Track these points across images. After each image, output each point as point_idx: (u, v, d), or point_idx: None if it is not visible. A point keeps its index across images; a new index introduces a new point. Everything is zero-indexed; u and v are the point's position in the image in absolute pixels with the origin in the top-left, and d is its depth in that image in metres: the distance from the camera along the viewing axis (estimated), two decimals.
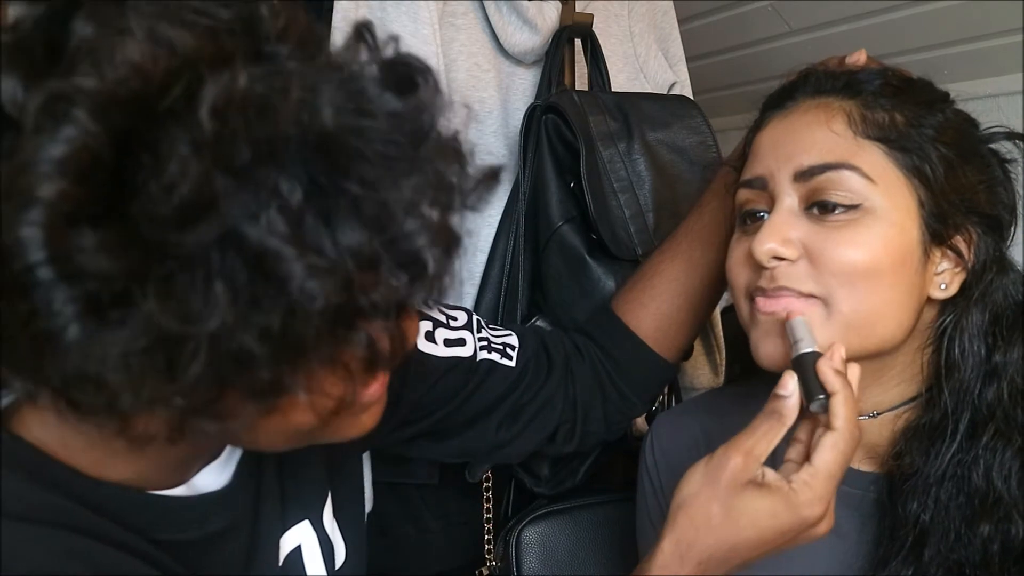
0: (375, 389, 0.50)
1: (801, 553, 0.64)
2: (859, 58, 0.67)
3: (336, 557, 0.68)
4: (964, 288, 0.61)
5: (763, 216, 0.62)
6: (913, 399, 0.63)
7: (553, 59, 1.08)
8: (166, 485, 0.54)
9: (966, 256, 0.60)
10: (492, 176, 0.44)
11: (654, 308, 0.83)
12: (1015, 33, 1.53)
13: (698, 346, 1.20)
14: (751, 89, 1.93)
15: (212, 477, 0.58)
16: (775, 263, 0.59)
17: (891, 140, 0.58)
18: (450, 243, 0.41)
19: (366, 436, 0.69)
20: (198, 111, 0.33)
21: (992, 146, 0.64)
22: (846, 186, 0.57)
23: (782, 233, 0.58)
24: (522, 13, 1.05)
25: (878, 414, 0.63)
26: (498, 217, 1.07)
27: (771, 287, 0.59)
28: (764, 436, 0.55)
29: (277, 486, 0.62)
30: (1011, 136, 0.63)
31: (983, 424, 0.59)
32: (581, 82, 1.15)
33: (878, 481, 0.64)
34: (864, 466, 0.65)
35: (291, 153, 0.35)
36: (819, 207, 0.58)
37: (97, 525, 0.48)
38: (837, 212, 0.58)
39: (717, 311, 1.27)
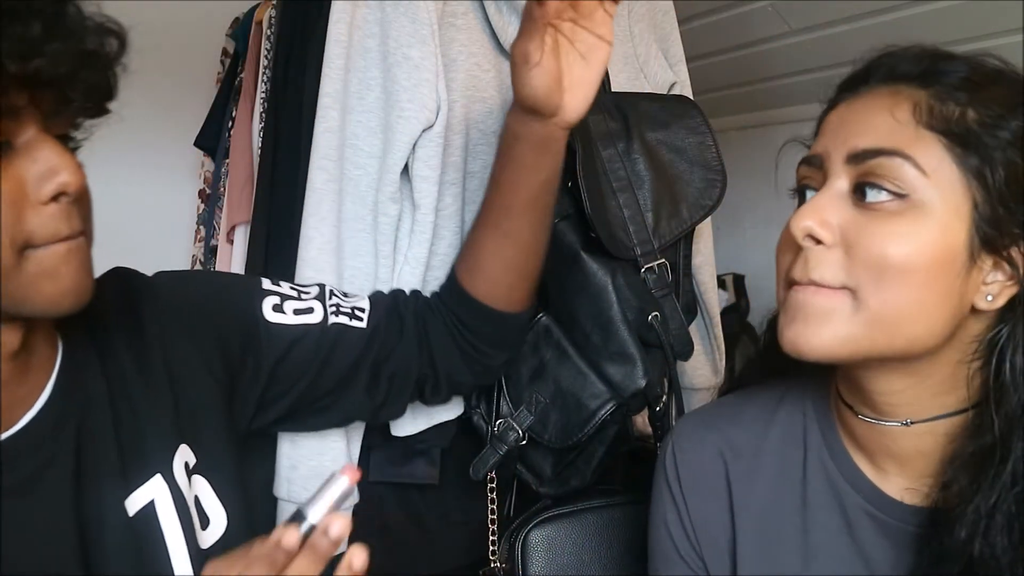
0: (69, 253, 0.56)
1: (826, 571, 0.63)
2: None
3: (214, 524, 0.69)
4: (1013, 303, 0.57)
5: (814, 193, 0.61)
6: (953, 413, 0.59)
7: None
8: None
9: (1021, 270, 0.56)
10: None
11: (484, 276, 0.86)
12: (1015, 33, 1.53)
13: (697, 346, 1.20)
14: (751, 89, 1.93)
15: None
16: (810, 243, 0.58)
17: (954, 135, 0.55)
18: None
19: (230, 416, 0.74)
20: None
21: None
22: (896, 174, 0.55)
23: (822, 214, 0.57)
24: (522, 14, 1.05)
25: (912, 423, 0.60)
26: None
27: (804, 279, 0.58)
28: (229, 563, 0.54)
29: (112, 439, 0.64)
30: None
31: None
32: None
33: (919, 514, 0.61)
34: (906, 497, 0.62)
35: None
36: (866, 191, 0.57)
37: None
38: (883, 199, 0.56)
39: (717, 311, 1.27)
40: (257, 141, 1.30)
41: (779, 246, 0.63)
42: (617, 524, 0.96)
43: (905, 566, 0.61)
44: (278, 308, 0.81)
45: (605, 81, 1.12)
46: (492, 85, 1.08)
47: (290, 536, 0.53)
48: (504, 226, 0.84)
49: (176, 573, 0.65)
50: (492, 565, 1.00)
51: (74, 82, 0.54)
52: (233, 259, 1.39)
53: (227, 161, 1.43)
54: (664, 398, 1.02)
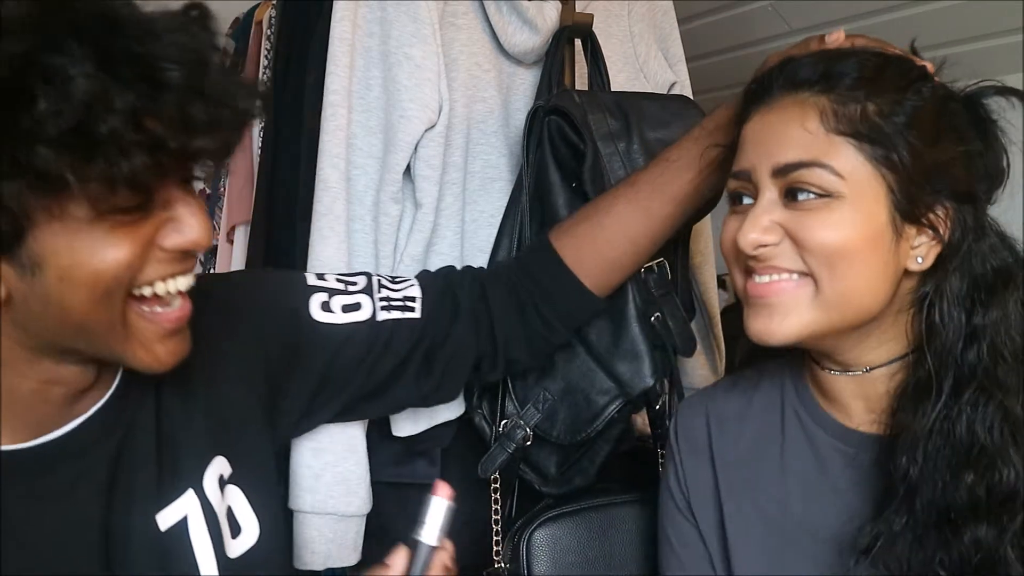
0: (172, 316, 0.59)
1: (801, 507, 0.72)
2: (838, 37, 0.71)
3: (246, 532, 0.70)
4: (941, 259, 0.65)
5: (748, 199, 0.69)
6: (901, 357, 0.68)
7: (553, 59, 1.09)
8: (32, 435, 0.59)
9: (942, 231, 0.65)
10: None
11: (597, 248, 0.86)
12: (1015, 33, 1.53)
13: (697, 345, 1.20)
14: None
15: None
16: (760, 250, 0.66)
17: (861, 135, 0.63)
18: (219, 107, 0.53)
19: (270, 425, 0.75)
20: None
21: (984, 104, 0.67)
22: (817, 180, 0.63)
23: (761, 223, 0.65)
24: (522, 13, 1.05)
25: (871, 369, 0.69)
26: (499, 218, 1.07)
27: (760, 266, 0.66)
28: None
29: (153, 459, 0.65)
30: (1002, 91, 0.67)
31: (966, 382, 0.63)
32: (581, 82, 1.15)
33: (874, 441, 0.69)
34: (862, 427, 0.71)
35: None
36: (794, 196, 0.65)
37: None
38: (810, 198, 0.64)
39: (717, 311, 1.27)
40: (257, 141, 1.30)
41: (726, 245, 0.70)
42: (621, 522, 0.96)
43: (868, 492, 0.69)
44: (326, 306, 0.80)
45: (605, 81, 1.12)
46: (492, 85, 1.08)
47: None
48: (653, 207, 0.84)
49: None
50: (496, 566, 1.00)
51: (220, 147, 0.56)
52: (233, 259, 1.39)
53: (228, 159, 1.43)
54: (666, 398, 1.03)
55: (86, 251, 0.52)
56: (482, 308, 0.86)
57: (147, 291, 0.57)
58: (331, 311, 0.79)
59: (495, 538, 1.02)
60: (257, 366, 0.74)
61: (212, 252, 1.53)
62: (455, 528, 1.09)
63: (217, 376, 0.71)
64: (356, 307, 0.81)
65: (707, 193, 0.85)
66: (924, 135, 0.63)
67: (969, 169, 0.65)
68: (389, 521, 1.06)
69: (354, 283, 0.83)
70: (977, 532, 0.61)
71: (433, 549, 0.61)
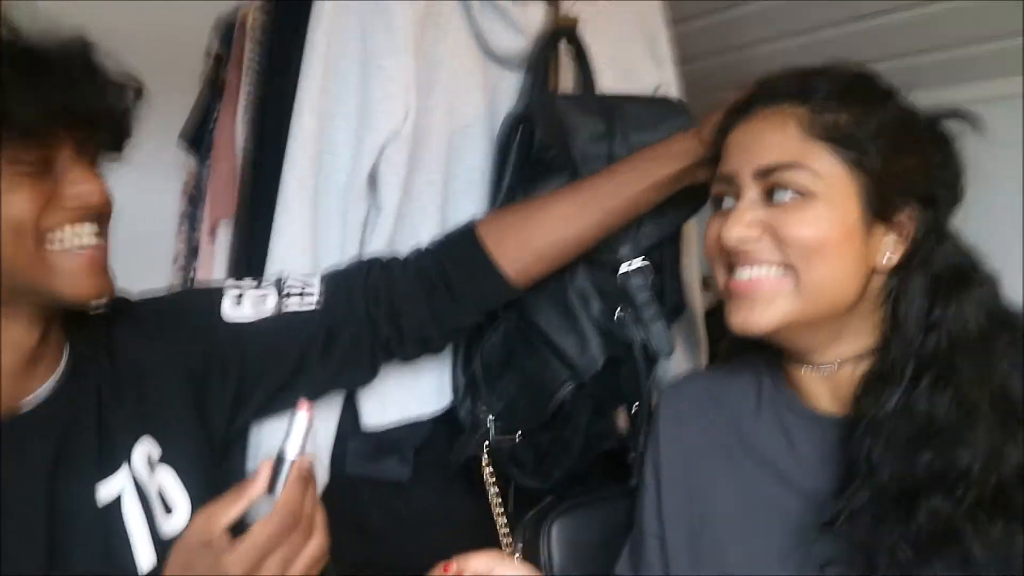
0: (88, 250, 0.70)
1: (771, 487, 0.77)
2: None
3: (178, 511, 0.75)
4: (906, 258, 0.71)
5: (730, 202, 0.74)
6: (869, 352, 0.74)
7: (538, 61, 1.08)
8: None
9: (907, 231, 0.71)
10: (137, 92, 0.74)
11: (521, 238, 0.90)
12: (1015, 36, 1.52)
13: (680, 346, 1.20)
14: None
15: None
16: (743, 244, 0.71)
17: (836, 139, 0.69)
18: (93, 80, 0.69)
19: (201, 416, 0.81)
20: None
21: (943, 124, 0.73)
22: (796, 180, 0.69)
23: (744, 220, 0.71)
24: (507, 15, 1.04)
25: (841, 363, 0.75)
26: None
27: (742, 260, 0.72)
28: (225, 506, 0.65)
29: (94, 434, 0.74)
30: (955, 114, 0.72)
31: (925, 369, 0.69)
32: (567, 84, 1.13)
33: (839, 422, 0.74)
34: (829, 408, 0.76)
35: None
36: (774, 195, 0.71)
37: None
38: (788, 198, 0.70)
39: (700, 312, 1.26)
40: (240, 139, 1.29)
41: (709, 243, 0.75)
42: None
43: (833, 470, 0.73)
44: (237, 304, 0.87)
45: (591, 83, 1.11)
46: (477, 87, 1.07)
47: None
48: (587, 213, 0.89)
49: (138, 559, 0.71)
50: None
51: (101, 117, 0.70)
52: (216, 255, 1.38)
53: (211, 157, 1.42)
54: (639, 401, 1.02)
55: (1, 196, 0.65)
56: (381, 290, 0.90)
57: (57, 244, 0.68)
58: (241, 306, 0.86)
59: (503, 531, 1.02)
60: (181, 362, 0.81)
61: (195, 249, 1.52)
62: (433, 526, 1.07)
63: (144, 363, 0.79)
64: (263, 300, 0.87)
65: (644, 208, 0.92)
66: (892, 144, 0.69)
67: (931, 177, 0.71)
68: (366, 516, 1.06)
69: (267, 281, 0.91)
70: (933, 502, 0.64)
71: (294, 460, 0.68)
